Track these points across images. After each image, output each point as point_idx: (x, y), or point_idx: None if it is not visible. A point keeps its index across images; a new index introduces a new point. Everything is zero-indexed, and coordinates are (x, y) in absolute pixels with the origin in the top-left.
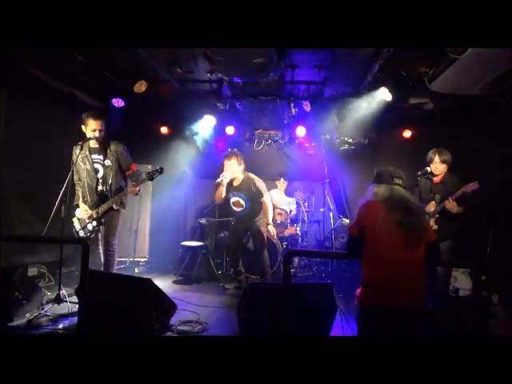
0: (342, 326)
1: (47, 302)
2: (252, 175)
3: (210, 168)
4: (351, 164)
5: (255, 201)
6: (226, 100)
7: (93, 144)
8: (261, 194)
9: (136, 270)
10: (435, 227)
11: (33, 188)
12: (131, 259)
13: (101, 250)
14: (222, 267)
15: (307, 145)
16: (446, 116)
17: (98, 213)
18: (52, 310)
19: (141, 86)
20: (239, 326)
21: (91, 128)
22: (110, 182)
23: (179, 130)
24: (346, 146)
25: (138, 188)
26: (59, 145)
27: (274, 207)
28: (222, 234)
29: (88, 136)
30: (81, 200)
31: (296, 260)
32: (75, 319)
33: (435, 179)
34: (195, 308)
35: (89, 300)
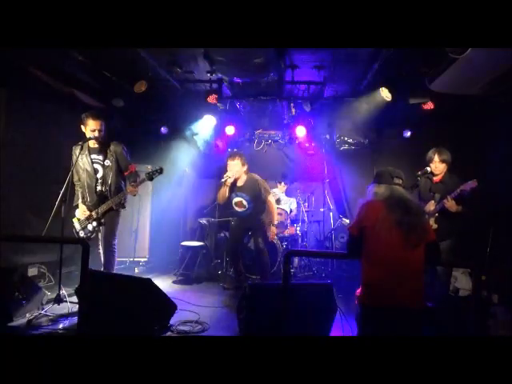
0: (342, 326)
1: (47, 302)
2: (255, 176)
3: (210, 168)
4: (351, 164)
5: (258, 201)
6: (225, 100)
7: (92, 144)
8: (265, 195)
9: (136, 270)
10: (435, 226)
11: (33, 188)
12: (131, 259)
13: (101, 250)
14: (221, 267)
15: (307, 145)
16: (446, 116)
17: (97, 213)
18: (52, 309)
19: (141, 86)
20: (239, 326)
21: (91, 128)
22: (109, 182)
23: (179, 130)
24: (346, 146)
25: (137, 189)
26: (59, 145)
27: None
28: (222, 234)
29: (88, 136)
30: (80, 200)
31: (296, 260)
32: (75, 319)
33: (435, 179)
34: (195, 308)
35: (89, 300)
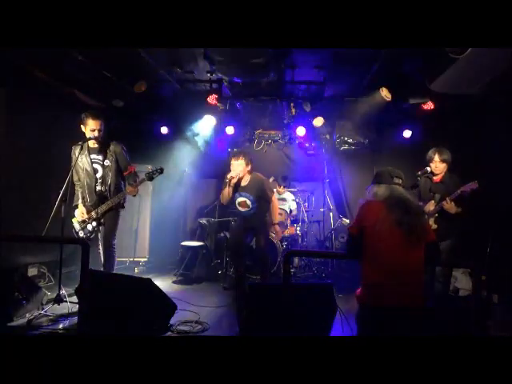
0: (342, 326)
1: (47, 302)
2: (260, 175)
3: (210, 168)
4: (351, 164)
5: (262, 201)
6: (225, 100)
7: (92, 144)
8: (269, 194)
9: (136, 270)
10: (434, 227)
11: (33, 188)
12: (131, 259)
13: (101, 250)
14: (221, 267)
15: (307, 145)
16: (446, 116)
17: (97, 213)
18: (52, 309)
19: (141, 86)
20: (239, 326)
21: (90, 128)
22: (109, 182)
23: (179, 130)
24: (346, 146)
25: (136, 189)
26: (59, 145)
27: None
28: (222, 234)
29: (87, 136)
30: (80, 201)
31: (296, 260)
32: (75, 319)
33: (435, 178)
34: (195, 308)
35: (89, 300)
